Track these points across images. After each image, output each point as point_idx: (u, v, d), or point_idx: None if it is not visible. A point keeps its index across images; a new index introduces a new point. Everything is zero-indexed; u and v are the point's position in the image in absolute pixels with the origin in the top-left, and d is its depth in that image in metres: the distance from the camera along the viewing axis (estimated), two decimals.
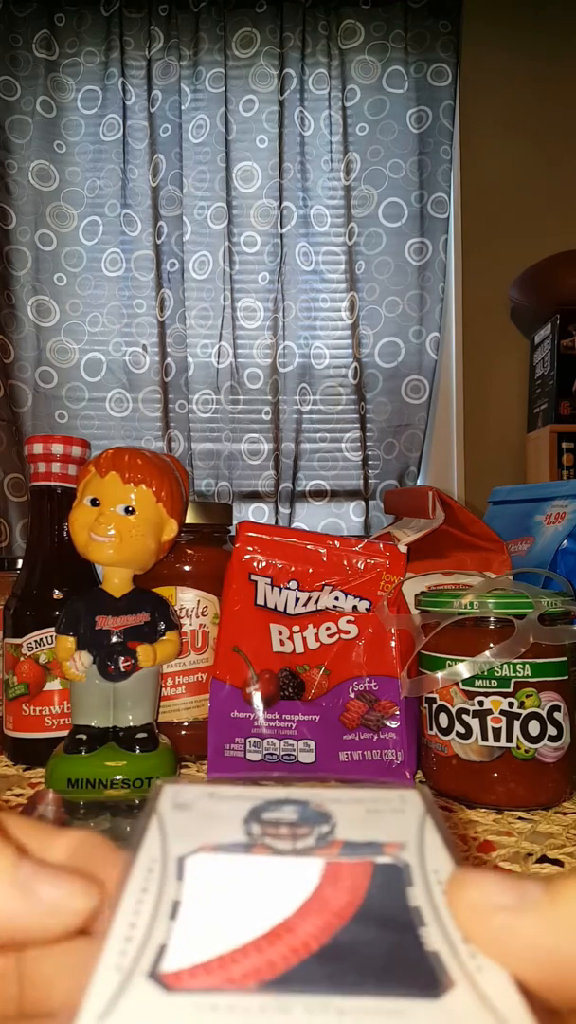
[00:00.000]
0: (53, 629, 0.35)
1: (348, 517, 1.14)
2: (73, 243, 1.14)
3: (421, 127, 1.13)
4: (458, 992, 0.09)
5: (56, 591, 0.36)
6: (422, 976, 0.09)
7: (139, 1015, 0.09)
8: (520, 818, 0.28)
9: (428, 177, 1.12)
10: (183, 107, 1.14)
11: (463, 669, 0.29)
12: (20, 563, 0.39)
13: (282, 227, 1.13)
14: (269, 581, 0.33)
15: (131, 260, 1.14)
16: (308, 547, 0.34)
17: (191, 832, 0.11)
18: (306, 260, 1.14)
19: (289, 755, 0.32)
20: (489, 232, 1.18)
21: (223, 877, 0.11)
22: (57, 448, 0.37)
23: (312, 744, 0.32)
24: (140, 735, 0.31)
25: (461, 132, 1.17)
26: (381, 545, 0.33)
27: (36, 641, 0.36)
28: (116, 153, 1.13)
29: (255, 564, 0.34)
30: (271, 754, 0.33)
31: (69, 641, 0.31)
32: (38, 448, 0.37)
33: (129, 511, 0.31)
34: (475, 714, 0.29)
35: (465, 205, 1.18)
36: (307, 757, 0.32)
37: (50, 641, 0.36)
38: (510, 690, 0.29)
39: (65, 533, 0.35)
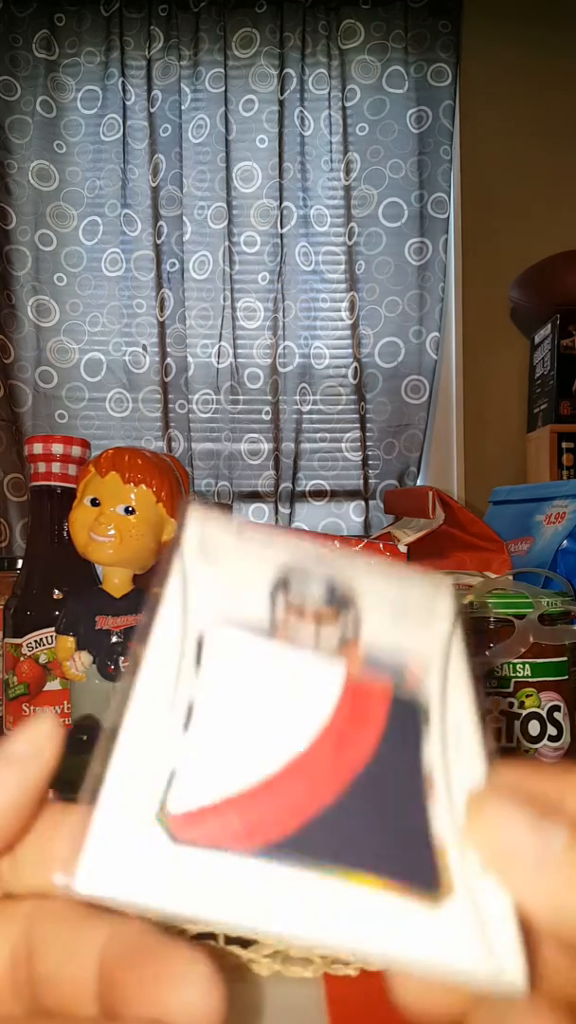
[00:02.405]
0: (53, 629, 0.35)
1: (348, 517, 1.14)
2: (73, 243, 1.14)
3: (421, 127, 1.13)
4: (456, 902, 0.09)
5: (56, 591, 0.36)
6: (423, 871, 0.09)
7: (143, 865, 0.08)
8: None
9: (428, 177, 1.12)
10: (183, 107, 1.14)
11: None
12: (20, 563, 0.39)
13: (282, 227, 1.13)
14: None
15: (131, 260, 1.14)
16: None
17: (214, 591, 0.10)
18: (306, 260, 1.14)
19: None
20: (489, 232, 1.18)
21: (242, 676, 0.10)
22: (57, 448, 0.37)
23: None
24: None
25: (461, 132, 1.17)
26: (381, 545, 0.33)
27: (36, 641, 0.36)
28: (116, 153, 1.13)
29: None
30: None
31: (69, 641, 0.31)
32: (38, 448, 0.37)
33: (129, 511, 0.31)
34: None
35: (465, 205, 1.18)
36: None
37: (50, 641, 0.36)
38: (510, 690, 0.29)
39: (65, 533, 0.35)
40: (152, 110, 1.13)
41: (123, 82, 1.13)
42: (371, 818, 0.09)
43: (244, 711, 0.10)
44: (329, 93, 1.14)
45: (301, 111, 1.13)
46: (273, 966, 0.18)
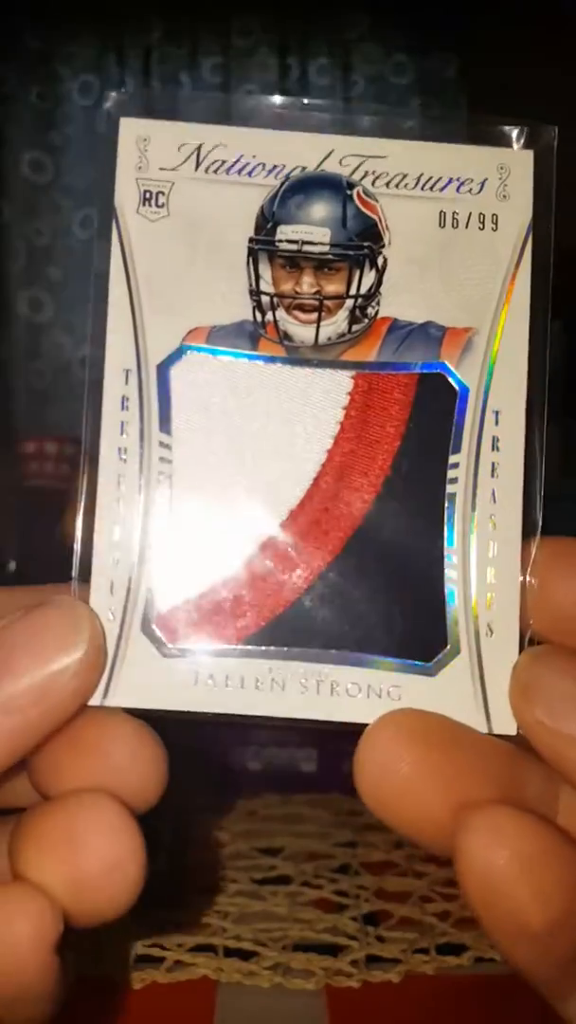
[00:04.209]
0: None
1: None
2: (67, 236, 1.12)
3: (427, 117, 1.11)
4: (457, 665, 0.08)
5: None
6: (424, 637, 0.08)
7: (138, 686, 0.08)
8: None
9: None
10: (182, 97, 1.11)
11: None
12: (12, 565, 0.38)
13: None
14: None
15: None
16: None
17: (173, 286, 0.07)
18: None
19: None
20: None
21: (219, 418, 0.07)
22: (50, 448, 0.36)
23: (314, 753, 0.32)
24: None
25: (468, 121, 1.14)
26: None
27: None
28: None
29: None
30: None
31: None
32: (31, 448, 0.36)
33: None
34: None
35: None
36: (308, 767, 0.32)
37: None
38: None
39: (58, 535, 0.34)
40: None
41: (120, 72, 1.11)
42: (370, 581, 0.08)
43: (226, 466, 0.08)
44: (331, 83, 1.12)
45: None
46: (274, 978, 0.17)
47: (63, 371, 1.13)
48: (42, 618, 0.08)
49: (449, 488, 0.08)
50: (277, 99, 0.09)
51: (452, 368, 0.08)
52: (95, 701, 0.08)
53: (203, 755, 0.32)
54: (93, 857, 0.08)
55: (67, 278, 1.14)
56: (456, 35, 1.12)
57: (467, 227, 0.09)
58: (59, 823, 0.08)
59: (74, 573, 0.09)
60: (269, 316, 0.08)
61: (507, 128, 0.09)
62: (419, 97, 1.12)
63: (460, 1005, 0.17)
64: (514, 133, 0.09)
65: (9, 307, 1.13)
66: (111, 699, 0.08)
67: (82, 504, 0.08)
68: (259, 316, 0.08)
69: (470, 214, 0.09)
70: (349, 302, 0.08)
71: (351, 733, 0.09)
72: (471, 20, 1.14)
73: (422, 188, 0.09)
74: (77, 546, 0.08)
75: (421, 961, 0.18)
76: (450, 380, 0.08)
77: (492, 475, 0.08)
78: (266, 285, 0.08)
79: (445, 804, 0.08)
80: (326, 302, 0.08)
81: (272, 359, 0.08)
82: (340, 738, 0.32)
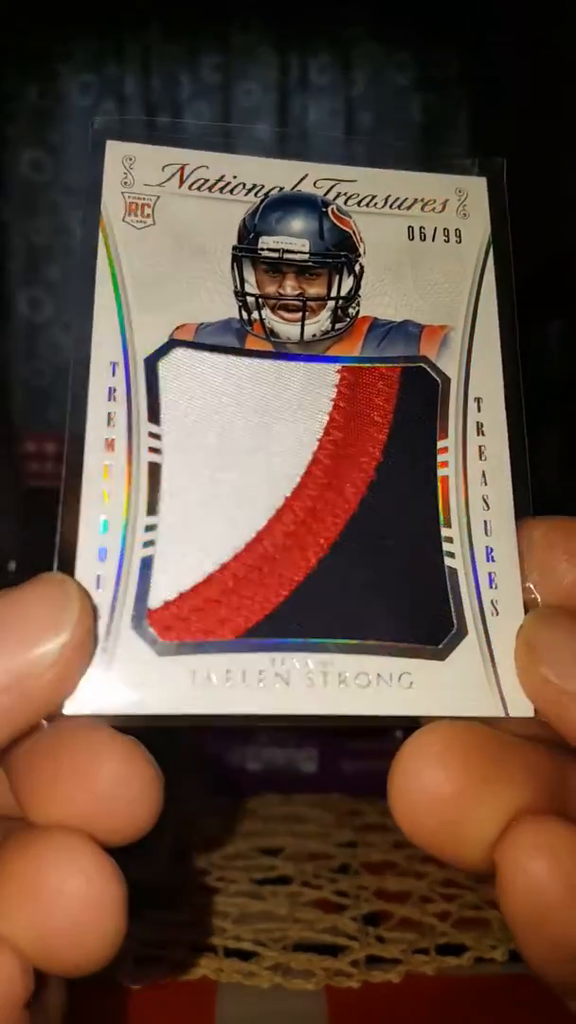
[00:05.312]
0: None
1: None
2: (67, 235, 1.12)
3: (429, 116, 1.11)
4: (465, 646, 0.08)
5: None
6: (430, 620, 0.08)
7: (131, 688, 0.07)
8: None
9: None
10: (182, 96, 1.12)
11: None
12: (12, 566, 0.38)
13: None
14: None
15: None
16: None
17: (159, 286, 0.08)
18: None
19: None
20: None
21: (208, 413, 0.08)
22: (50, 447, 0.36)
23: (314, 753, 0.31)
24: None
25: (469, 120, 1.15)
26: None
27: None
28: None
29: None
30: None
31: None
32: (31, 447, 0.36)
33: None
34: None
35: None
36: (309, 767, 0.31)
37: None
38: None
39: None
40: (150, 99, 1.11)
41: (119, 70, 1.10)
42: (370, 566, 0.08)
43: (217, 456, 0.08)
44: (332, 81, 1.12)
45: (303, 100, 1.12)
46: (274, 978, 0.17)
47: (63, 370, 1.13)
48: (23, 595, 0.08)
49: (440, 471, 0.08)
50: (256, 127, 0.10)
51: (433, 360, 0.09)
52: (83, 709, 0.08)
53: (203, 755, 0.32)
54: (63, 912, 0.07)
55: (66, 277, 1.14)
56: (458, 34, 1.11)
57: (434, 240, 0.09)
58: (27, 870, 0.07)
59: (55, 568, 0.08)
60: (255, 315, 0.08)
61: (462, 160, 0.10)
62: (420, 95, 1.11)
63: (460, 1006, 0.17)
64: (467, 163, 0.10)
65: (8, 306, 1.13)
66: (101, 704, 0.08)
67: (65, 497, 0.08)
68: (245, 315, 0.08)
69: (436, 229, 0.10)
70: (331, 303, 0.08)
71: (358, 730, 0.08)
72: (473, 19, 1.13)
73: (390, 207, 0.10)
74: (58, 541, 0.08)
75: (421, 961, 0.18)
76: (431, 372, 0.08)
77: (480, 458, 0.08)
78: (251, 287, 0.08)
79: (492, 824, 0.08)
80: (309, 303, 0.08)
81: (260, 354, 0.08)
82: (340, 738, 0.32)
